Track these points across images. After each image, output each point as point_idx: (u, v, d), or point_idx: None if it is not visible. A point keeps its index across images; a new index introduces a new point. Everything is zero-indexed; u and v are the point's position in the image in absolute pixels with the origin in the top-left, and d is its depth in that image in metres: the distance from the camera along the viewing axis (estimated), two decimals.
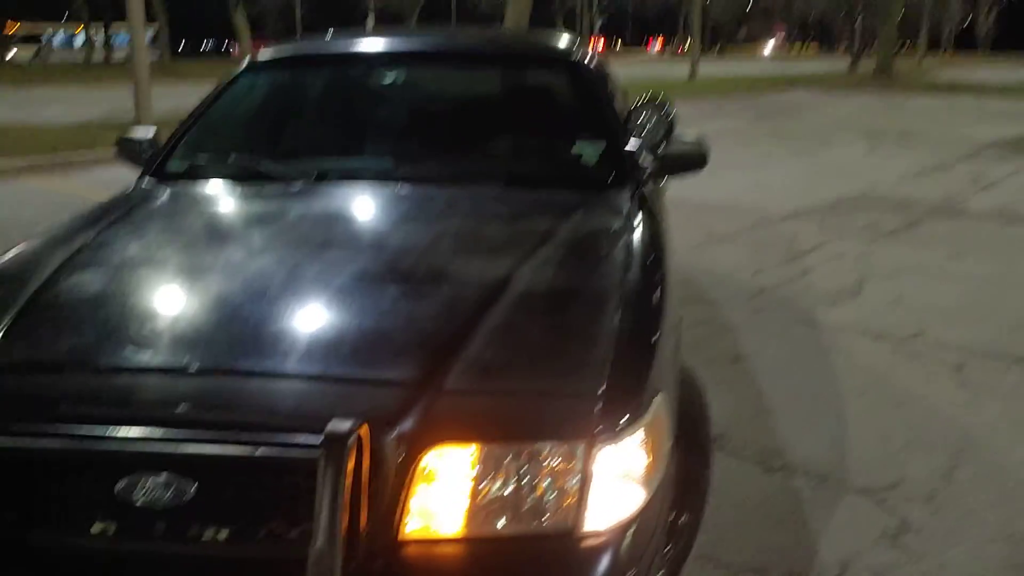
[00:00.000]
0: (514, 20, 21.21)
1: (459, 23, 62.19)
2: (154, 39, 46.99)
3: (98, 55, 47.70)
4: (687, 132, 3.10)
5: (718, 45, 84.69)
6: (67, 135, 12.40)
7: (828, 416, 3.54)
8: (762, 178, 9.66)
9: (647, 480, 1.64)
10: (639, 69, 39.43)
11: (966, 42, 71.37)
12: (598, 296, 2.01)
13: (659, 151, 2.90)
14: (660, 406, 1.71)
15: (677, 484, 2.39)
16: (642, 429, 1.62)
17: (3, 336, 1.82)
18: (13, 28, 53.66)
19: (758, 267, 5.85)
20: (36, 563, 1.56)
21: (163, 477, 1.50)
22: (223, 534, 1.51)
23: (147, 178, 3.02)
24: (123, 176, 3.13)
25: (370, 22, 45.34)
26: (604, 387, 1.63)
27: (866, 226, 7.20)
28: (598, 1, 60.22)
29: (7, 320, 1.87)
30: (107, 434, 1.52)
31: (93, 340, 1.80)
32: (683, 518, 2.40)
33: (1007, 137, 13.93)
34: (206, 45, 66.47)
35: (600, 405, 1.59)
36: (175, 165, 3.06)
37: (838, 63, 46.77)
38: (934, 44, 65.00)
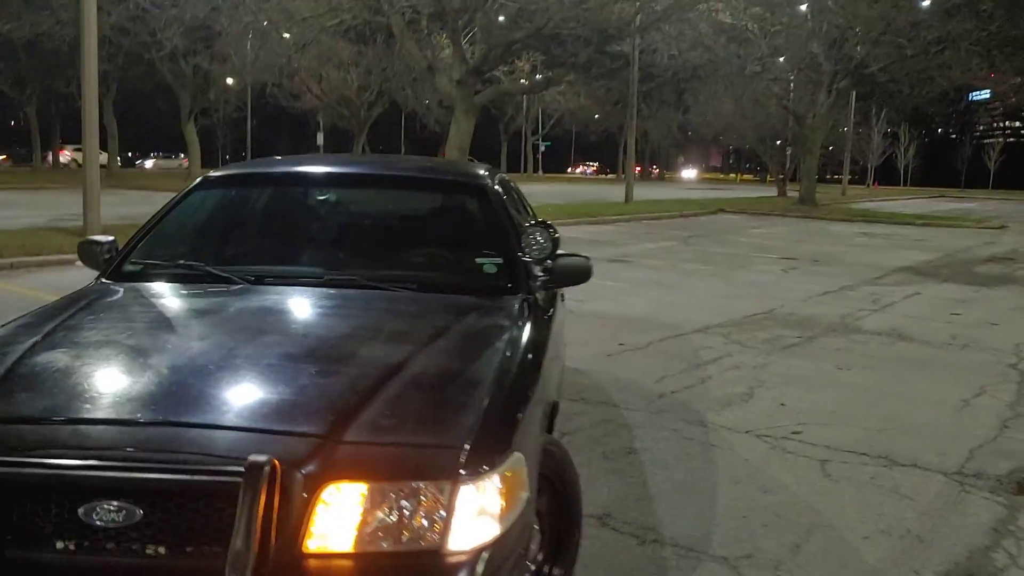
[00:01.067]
0: (457, 141, 22.21)
1: (406, 142, 63.98)
2: None
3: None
4: (579, 251, 3.69)
5: (656, 169, 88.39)
6: (14, 239, 12.69)
7: (702, 500, 4.02)
8: (680, 296, 10.38)
9: (501, 518, 2.11)
10: (587, 187, 41.00)
11: (888, 174, 75.80)
12: (478, 378, 2.50)
13: (548, 265, 3.45)
14: (517, 463, 2.20)
15: (550, 542, 2.85)
16: (498, 477, 2.10)
17: None
18: None
19: (662, 374, 6.40)
20: (9, 574, 1.95)
21: (116, 503, 1.92)
22: (162, 549, 1.93)
23: (105, 278, 3.47)
24: (68, 279, 3.57)
25: (320, 139, 46.60)
26: (470, 442, 2.11)
27: (767, 340, 7.86)
28: (541, 126, 62.79)
29: None
30: (72, 467, 1.95)
31: (62, 400, 2.23)
32: (555, 570, 2.85)
33: (912, 263, 15.05)
34: (157, 155, 67.13)
35: (465, 455, 2.07)
36: (131, 266, 3.51)
37: (768, 190, 49.26)
38: (861, 175, 68.92)
